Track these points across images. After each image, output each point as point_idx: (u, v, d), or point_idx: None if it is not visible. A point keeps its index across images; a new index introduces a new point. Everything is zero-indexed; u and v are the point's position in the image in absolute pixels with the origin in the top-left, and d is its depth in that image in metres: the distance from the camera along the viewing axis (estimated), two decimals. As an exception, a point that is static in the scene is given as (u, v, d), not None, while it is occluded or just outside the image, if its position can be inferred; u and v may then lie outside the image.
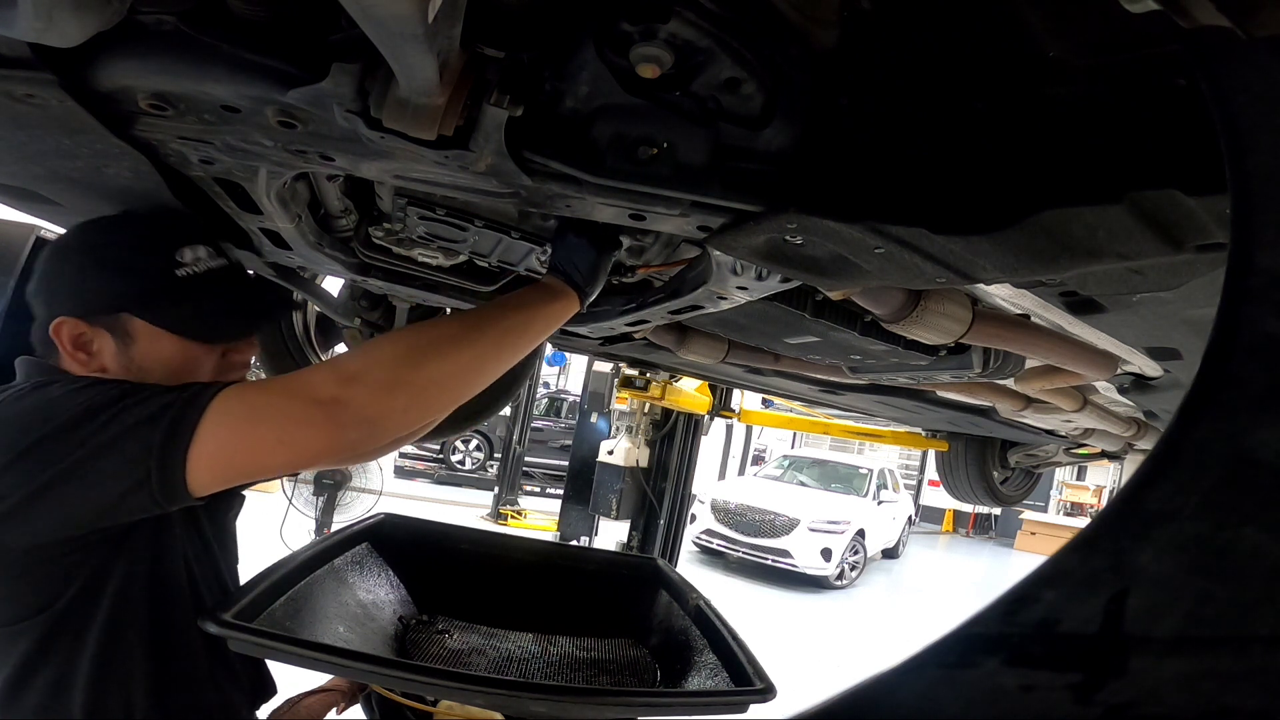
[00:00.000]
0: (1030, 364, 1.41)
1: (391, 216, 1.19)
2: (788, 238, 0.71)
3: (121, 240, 0.92)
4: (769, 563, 8.66)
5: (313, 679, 1.13)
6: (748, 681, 1.14)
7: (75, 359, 0.88)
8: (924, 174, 0.62)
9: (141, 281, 0.89)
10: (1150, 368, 1.24)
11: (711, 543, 9.10)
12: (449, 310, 2.13)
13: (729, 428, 11.43)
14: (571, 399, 11.67)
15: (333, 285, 2.03)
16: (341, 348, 2.38)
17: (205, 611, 0.92)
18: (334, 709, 1.23)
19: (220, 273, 0.95)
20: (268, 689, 1.07)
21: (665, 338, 1.65)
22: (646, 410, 4.92)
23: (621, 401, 5.07)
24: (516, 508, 8.94)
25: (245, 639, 0.92)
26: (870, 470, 10.74)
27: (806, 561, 8.60)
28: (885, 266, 0.71)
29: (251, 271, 1.46)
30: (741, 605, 6.75)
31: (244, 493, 1.11)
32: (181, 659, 0.91)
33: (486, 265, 1.35)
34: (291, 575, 1.19)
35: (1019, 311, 1.09)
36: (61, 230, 1.15)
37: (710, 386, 4.70)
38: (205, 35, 0.63)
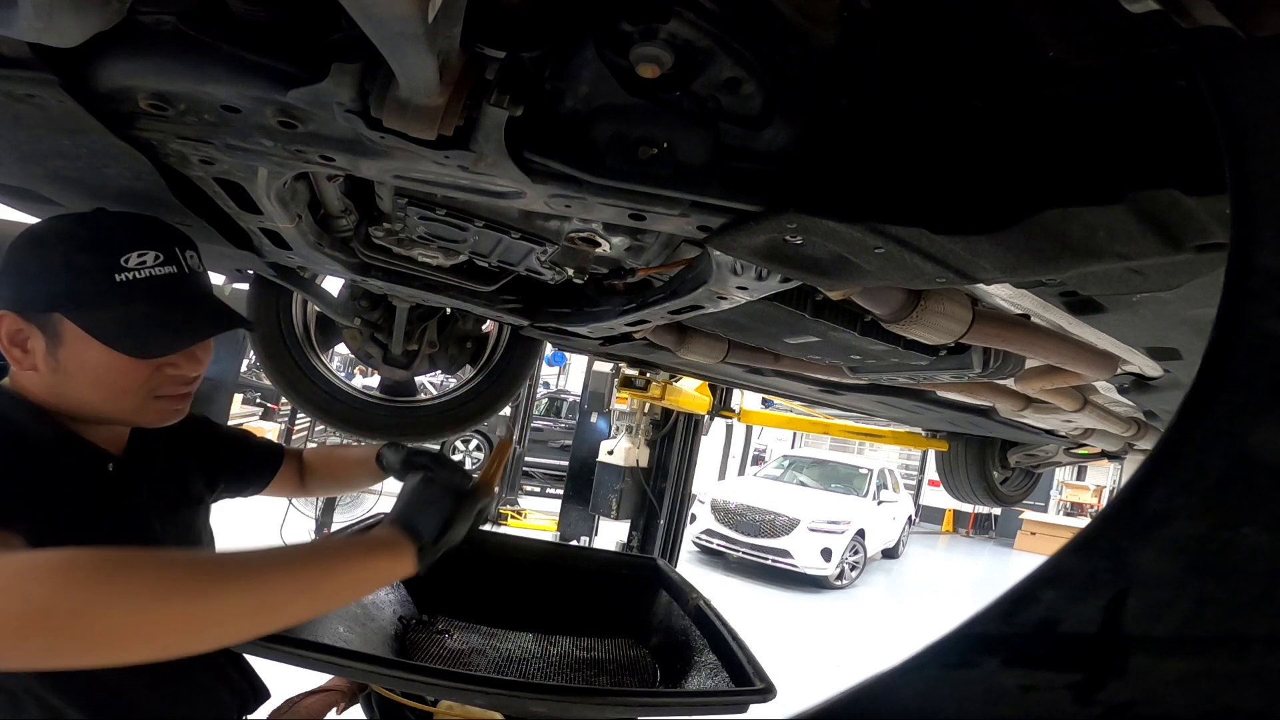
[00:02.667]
0: (1030, 364, 1.41)
1: (391, 216, 1.19)
2: (788, 238, 0.71)
3: (76, 237, 0.87)
4: (769, 563, 8.66)
5: (313, 679, 1.13)
6: (748, 681, 1.14)
7: (11, 355, 0.86)
8: (924, 174, 0.62)
9: (76, 280, 0.85)
10: (1150, 368, 1.24)
11: (711, 543, 9.10)
12: (448, 310, 2.13)
13: (729, 428, 11.41)
14: (571, 399, 11.66)
15: (333, 285, 2.03)
16: (341, 348, 2.39)
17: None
18: (334, 709, 1.23)
19: (163, 281, 0.88)
20: (259, 694, 1.06)
21: (665, 338, 1.65)
22: (646, 410, 4.91)
23: (621, 401, 5.07)
24: (516, 508, 8.93)
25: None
26: (870, 470, 10.73)
27: (806, 561, 8.59)
28: (885, 266, 0.71)
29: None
30: (741, 605, 6.74)
31: (209, 499, 1.11)
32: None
33: (486, 265, 1.35)
34: (291, 575, 1.18)
35: (1019, 311, 1.09)
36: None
37: (710, 386, 4.70)
38: (205, 35, 0.63)
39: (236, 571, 0.70)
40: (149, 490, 0.96)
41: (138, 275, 0.87)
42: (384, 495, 5.45)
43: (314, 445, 7.67)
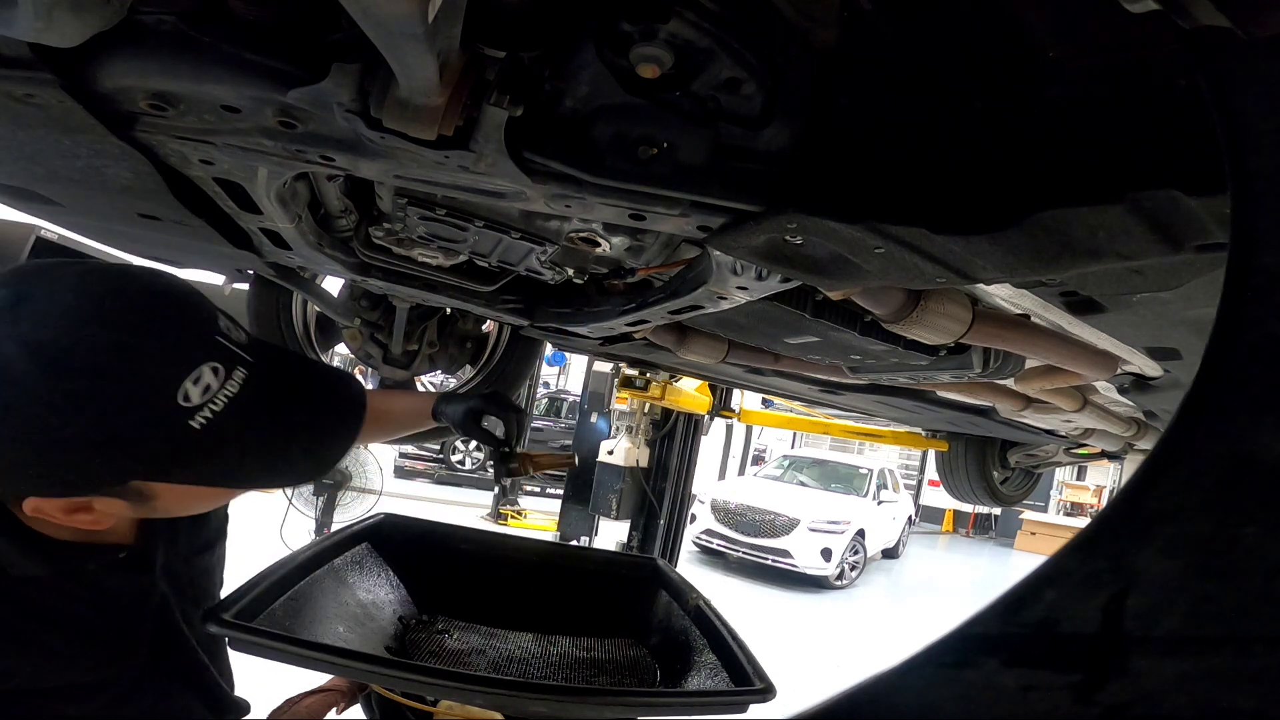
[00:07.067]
0: (1030, 364, 1.41)
1: (391, 216, 1.19)
2: (788, 238, 0.71)
3: (100, 395, 0.61)
4: (769, 563, 8.66)
5: (313, 679, 1.13)
6: (748, 681, 1.13)
7: (70, 522, 0.68)
8: (924, 174, 0.62)
9: (143, 449, 0.65)
10: (1150, 368, 1.24)
11: (711, 543, 9.10)
12: (448, 310, 2.13)
13: (729, 428, 11.41)
14: (571, 399, 11.67)
15: (333, 285, 2.03)
16: (341, 348, 2.39)
17: (206, 611, 0.92)
18: (334, 709, 1.23)
19: (243, 400, 0.68)
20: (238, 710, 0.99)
21: (665, 338, 1.65)
22: (646, 410, 4.92)
23: (621, 401, 5.07)
24: (516, 508, 8.93)
25: (245, 639, 0.92)
26: (870, 470, 10.74)
27: (806, 561, 8.60)
28: (885, 266, 0.71)
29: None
30: (741, 605, 6.74)
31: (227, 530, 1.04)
32: None
33: (486, 265, 1.35)
34: (291, 575, 1.18)
35: (1019, 311, 1.09)
36: (61, 230, 1.08)
37: (710, 386, 4.70)
38: (205, 35, 0.63)
39: None
40: (164, 556, 0.85)
41: (213, 410, 0.66)
42: (383, 495, 5.46)
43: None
